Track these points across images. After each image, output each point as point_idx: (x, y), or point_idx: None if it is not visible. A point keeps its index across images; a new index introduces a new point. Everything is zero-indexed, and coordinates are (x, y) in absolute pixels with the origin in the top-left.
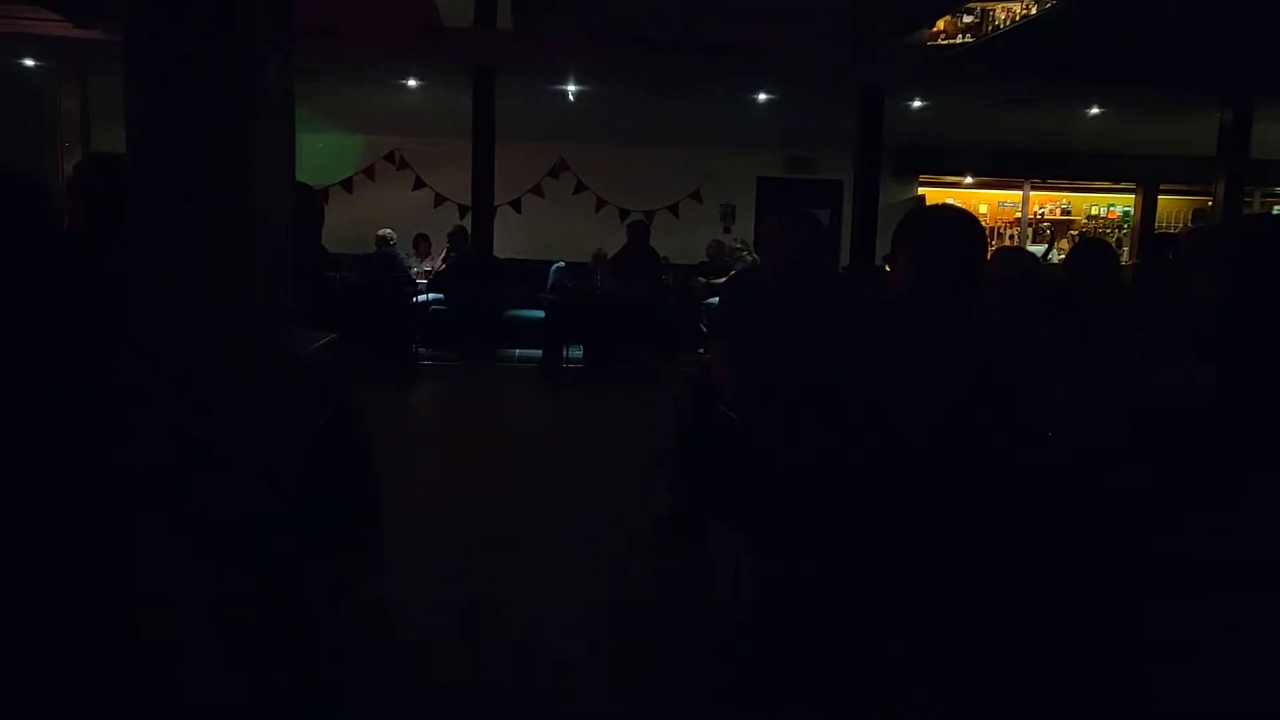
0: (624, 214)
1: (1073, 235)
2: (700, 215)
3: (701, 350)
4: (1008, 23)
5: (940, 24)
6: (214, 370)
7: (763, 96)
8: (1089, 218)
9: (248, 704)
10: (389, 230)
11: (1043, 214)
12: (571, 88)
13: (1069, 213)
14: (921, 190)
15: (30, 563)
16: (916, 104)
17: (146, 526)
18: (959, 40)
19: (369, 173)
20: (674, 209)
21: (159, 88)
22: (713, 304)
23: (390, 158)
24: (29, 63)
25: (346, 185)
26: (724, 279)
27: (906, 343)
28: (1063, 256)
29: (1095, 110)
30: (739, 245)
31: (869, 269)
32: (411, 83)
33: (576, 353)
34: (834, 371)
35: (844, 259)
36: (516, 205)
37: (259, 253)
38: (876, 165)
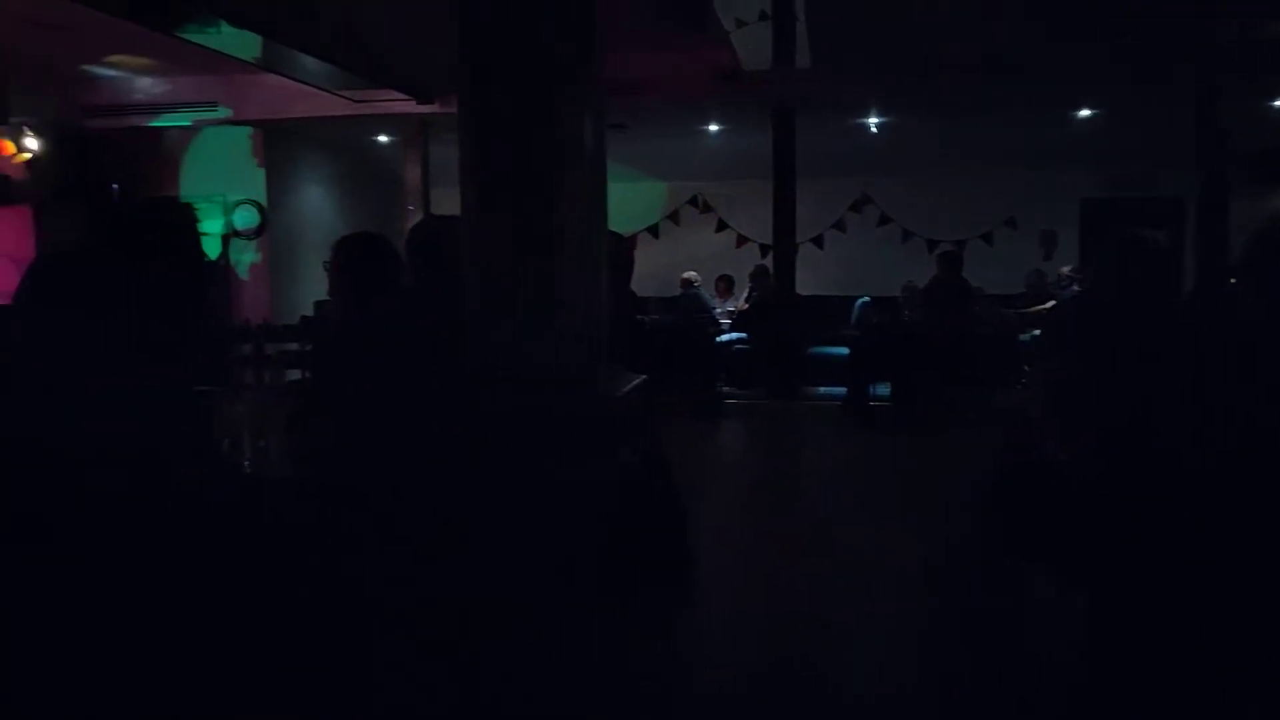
0: (932, 245)
1: None
2: (1017, 243)
3: (1021, 383)
4: None
5: None
6: (536, 408)
7: (1085, 111)
8: None
9: None
10: (693, 273)
11: None
12: (873, 120)
13: None
14: None
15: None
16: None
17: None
18: None
19: (674, 218)
20: (987, 237)
21: (487, 152)
22: (1031, 337)
23: (694, 202)
24: (382, 138)
25: (653, 231)
26: (1044, 309)
27: (1261, 372)
28: None
29: None
30: (1070, 273)
31: (1217, 292)
32: (713, 127)
33: (883, 390)
34: (1174, 403)
35: (1188, 282)
36: (819, 241)
37: (576, 299)
38: (1225, 176)
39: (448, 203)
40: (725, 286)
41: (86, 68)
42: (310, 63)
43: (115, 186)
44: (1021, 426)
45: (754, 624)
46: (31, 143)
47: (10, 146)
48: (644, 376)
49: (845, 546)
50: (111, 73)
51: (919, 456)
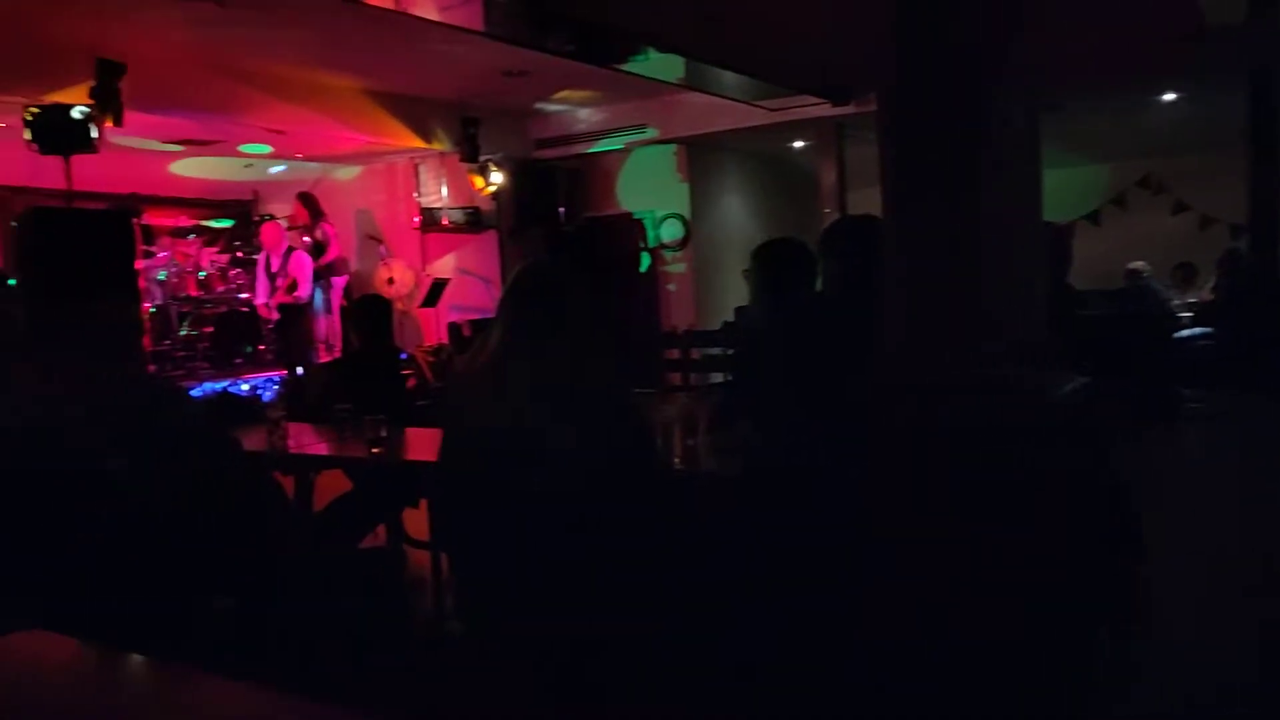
0: None
1: None
2: None
3: None
4: None
5: None
6: (963, 414)
7: None
8: None
9: None
10: (1141, 263)
11: None
12: None
13: None
14: None
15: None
16: None
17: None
18: None
19: (1118, 201)
20: None
21: (909, 146)
22: None
23: (1144, 183)
24: (797, 144)
25: (1093, 218)
26: None
27: None
28: None
29: None
30: None
31: None
32: (1168, 97)
33: None
34: None
35: None
36: None
37: (1008, 297)
38: None
39: (865, 204)
40: (1185, 275)
41: (538, 105)
42: (729, 77)
43: (562, 210)
44: None
45: (1210, 655)
46: (496, 177)
47: (480, 181)
48: (1087, 379)
49: None
50: (557, 107)
51: None
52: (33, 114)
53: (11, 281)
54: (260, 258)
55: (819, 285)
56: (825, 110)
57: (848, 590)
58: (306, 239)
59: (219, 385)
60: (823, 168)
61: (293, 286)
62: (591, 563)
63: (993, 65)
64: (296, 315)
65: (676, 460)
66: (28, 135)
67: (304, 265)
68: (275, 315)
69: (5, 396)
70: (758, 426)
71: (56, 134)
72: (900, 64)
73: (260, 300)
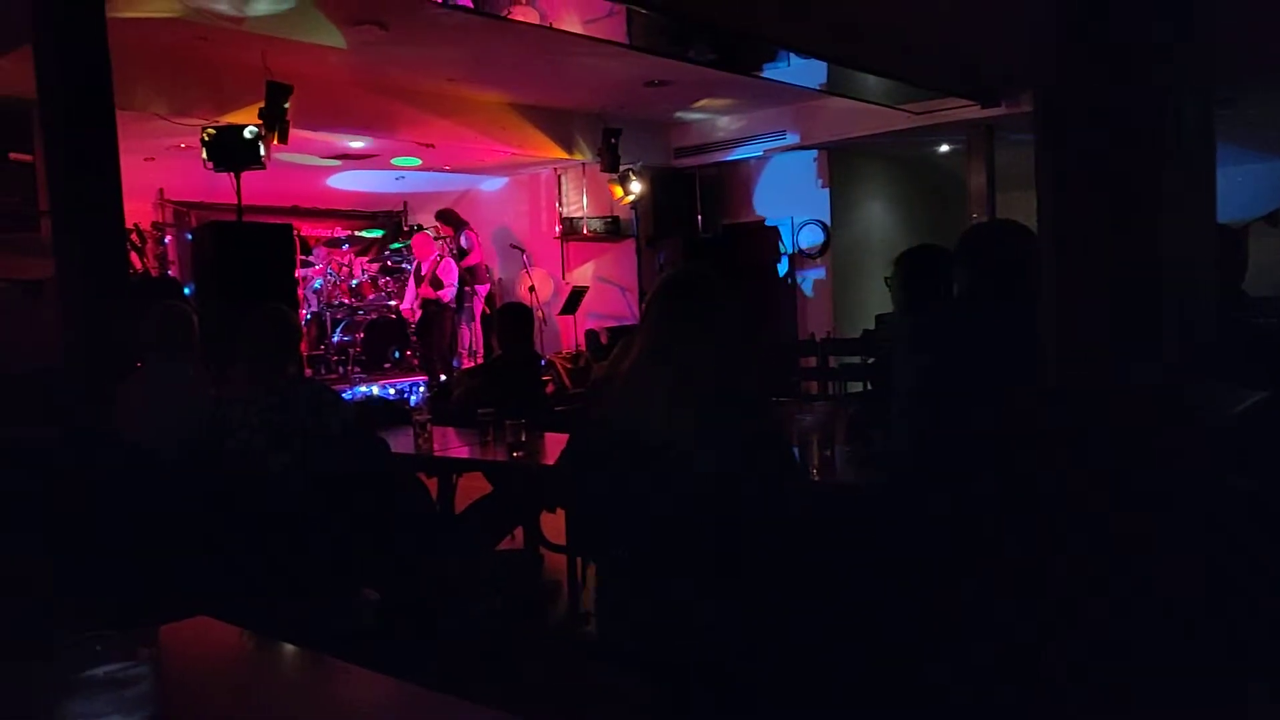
0: None
1: None
2: None
3: None
4: None
5: None
6: (1121, 427)
7: None
8: None
9: None
10: None
11: None
12: None
13: None
14: None
15: None
16: None
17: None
18: None
19: None
20: None
21: (1066, 147)
22: None
23: None
24: (943, 148)
25: (1272, 219)
26: None
27: None
28: None
29: None
30: None
31: None
32: None
33: None
34: None
35: None
36: None
37: (1174, 305)
38: None
39: (1014, 207)
40: None
41: (678, 114)
42: (872, 82)
43: (700, 217)
44: None
45: None
46: (635, 186)
47: (619, 191)
48: (1263, 394)
49: None
50: (696, 115)
51: None
52: (209, 134)
53: (187, 290)
54: (413, 266)
55: (956, 291)
56: (973, 113)
57: (994, 606)
58: (451, 245)
59: (369, 389)
60: (971, 171)
61: (437, 284)
62: (726, 571)
63: (1160, 58)
64: (438, 313)
65: (813, 471)
66: (204, 154)
67: (451, 271)
68: (418, 313)
69: (185, 395)
70: (896, 435)
71: (229, 152)
72: (1062, 61)
73: (406, 305)
